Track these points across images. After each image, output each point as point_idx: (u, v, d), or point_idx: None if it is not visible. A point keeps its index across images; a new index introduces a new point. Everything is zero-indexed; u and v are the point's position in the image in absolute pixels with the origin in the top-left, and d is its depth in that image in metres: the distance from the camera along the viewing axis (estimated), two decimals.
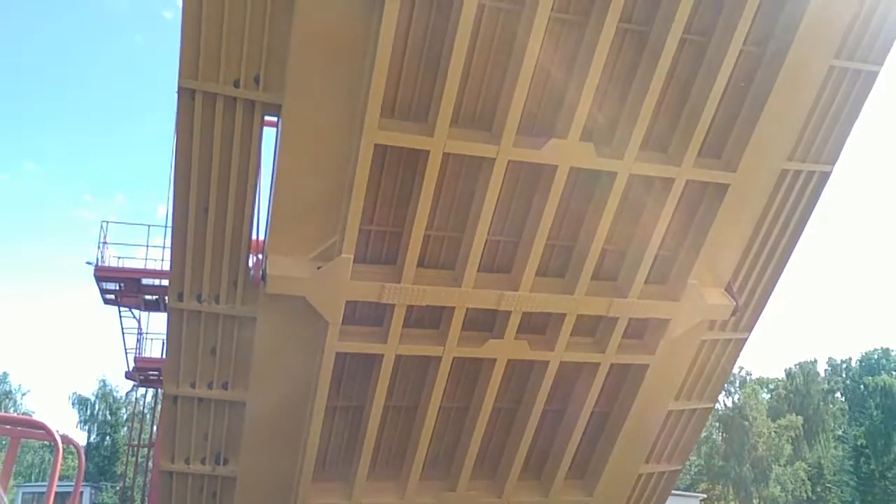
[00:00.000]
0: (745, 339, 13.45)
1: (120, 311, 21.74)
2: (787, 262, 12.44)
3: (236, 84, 8.83)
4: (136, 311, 21.88)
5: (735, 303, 11.29)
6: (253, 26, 8.58)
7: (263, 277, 9.13)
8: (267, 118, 9.31)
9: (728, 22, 8.81)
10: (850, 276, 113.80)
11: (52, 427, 8.87)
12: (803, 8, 8.90)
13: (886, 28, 10.06)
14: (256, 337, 10.15)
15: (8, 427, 9.38)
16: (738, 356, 13.90)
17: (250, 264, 10.31)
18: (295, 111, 8.63)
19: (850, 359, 73.77)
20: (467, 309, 10.04)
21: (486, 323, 10.50)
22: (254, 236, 10.07)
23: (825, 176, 11.42)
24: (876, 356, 71.75)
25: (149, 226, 21.33)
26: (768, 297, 12.90)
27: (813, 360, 69.39)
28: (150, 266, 20.48)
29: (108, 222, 20.95)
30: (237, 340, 10.61)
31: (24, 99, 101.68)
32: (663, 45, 8.68)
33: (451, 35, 8.15)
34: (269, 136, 9.46)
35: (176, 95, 8.82)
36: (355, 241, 9.10)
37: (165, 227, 17.99)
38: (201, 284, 10.10)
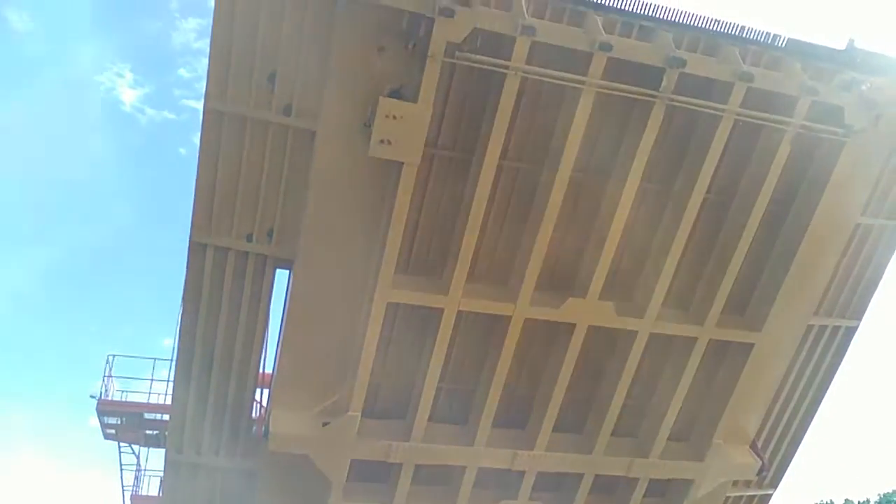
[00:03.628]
0: (771, 496, 12.92)
1: (119, 447, 21.02)
2: (813, 417, 12.03)
3: (249, 238, 8.69)
4: (135, 447, 21.18)
5: (761, 462, 10.79)
6: (269, 183, 8.48)
7: (266, 434, 8.69)
8: None
9: (753, 180, 8.67)
10: (868, 415, 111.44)
11: None
12: (832, 165, 8.74)
13: None
14: (258, 492, 9.68)
15: None
16: None
17: (254, 415, 9.93)
18: (307, 267, 8.42)
19: (868, 500, 71.30)
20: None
21: (498, 481, 9.93)
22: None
23: (852, 330, 11.19)
24: (895, 498, 69.26)
25: (154, 359, 20.69)
26: (795, 452, 12.44)
27: (829, 501, 67.12)
28: (154, 400, 19.91)
29: (114, 356, 20.39)
30: (236, 495, 10.17)
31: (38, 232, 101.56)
32: (686, 204, 8.51)
33: (469, 196, 8.02)
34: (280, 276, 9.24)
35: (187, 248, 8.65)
36: (363, 398, 8.71)
37: (170, 360, 17.57)
38: (201, 437, 9.73)
